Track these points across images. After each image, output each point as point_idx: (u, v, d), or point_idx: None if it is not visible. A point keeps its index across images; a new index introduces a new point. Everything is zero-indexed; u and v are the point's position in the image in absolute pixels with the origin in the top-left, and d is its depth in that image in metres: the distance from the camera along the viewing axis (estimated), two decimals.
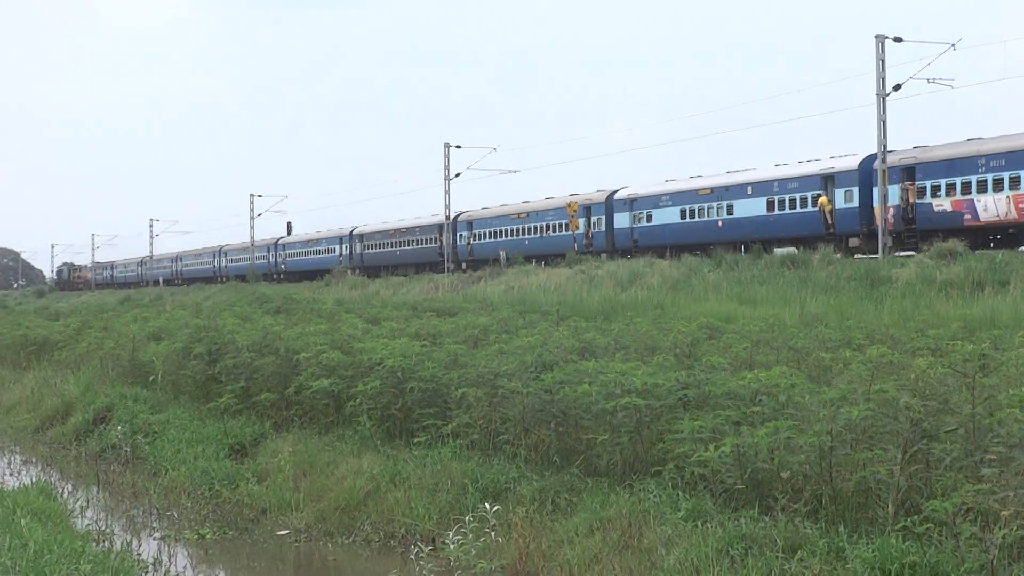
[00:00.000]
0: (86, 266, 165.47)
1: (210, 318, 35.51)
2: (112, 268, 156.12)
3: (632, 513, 12.91)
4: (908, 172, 49.78)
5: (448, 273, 71.99)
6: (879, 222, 48.85)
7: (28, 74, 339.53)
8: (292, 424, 21.15)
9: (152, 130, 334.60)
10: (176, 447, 21.73)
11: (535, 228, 74.21)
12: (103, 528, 17.55)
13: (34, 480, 20.91)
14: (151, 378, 27.66)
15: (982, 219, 46.07)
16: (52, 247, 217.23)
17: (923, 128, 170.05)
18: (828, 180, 54.18)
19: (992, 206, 45.59)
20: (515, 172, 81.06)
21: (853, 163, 53.16)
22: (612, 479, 14.40)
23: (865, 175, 52.07)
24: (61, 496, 19.59)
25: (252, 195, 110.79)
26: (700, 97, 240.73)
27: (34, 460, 24.81)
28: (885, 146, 49.65)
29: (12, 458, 25.02)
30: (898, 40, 49.95)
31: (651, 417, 14.39)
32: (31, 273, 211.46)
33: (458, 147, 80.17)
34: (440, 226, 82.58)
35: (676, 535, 12.14)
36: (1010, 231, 45.76)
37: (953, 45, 48.74)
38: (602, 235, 68.61)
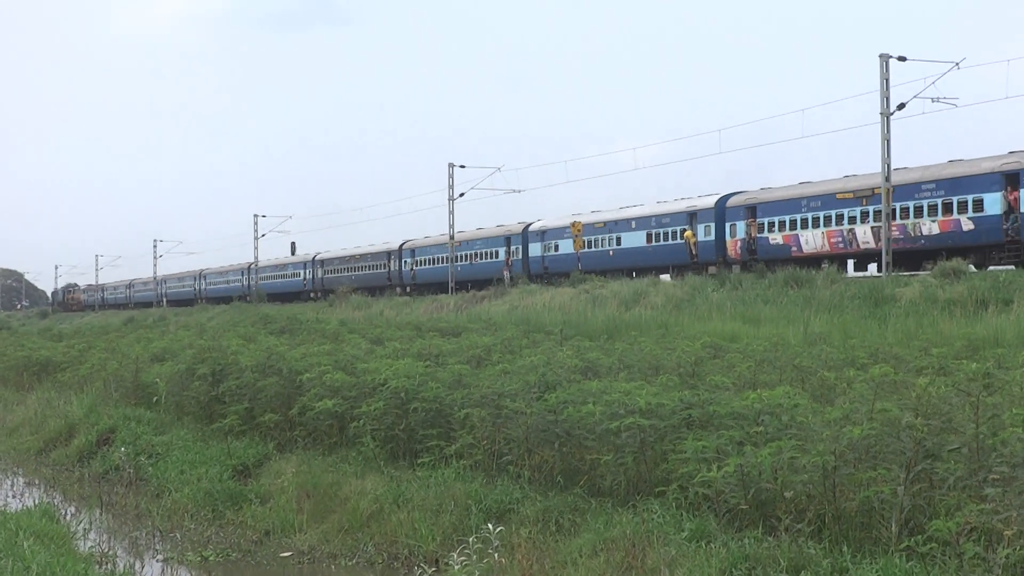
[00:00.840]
0: (80, 288, 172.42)
1: (214, 339, 35.49)
2: (103, 290, 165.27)
3: (636, 534, 12.88)
4: (751, 210, 59.37)
5: (450, 294, 72.41)
6: (883, 241, 48.96)
7: (32, 95, 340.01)
8: (296, 445, 21.14)
9: (157, 150, 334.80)
10: (179, 468, 21.71)
11: (468, 256, 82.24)
12: (106, 550, 17.54)
13: (37, 502, 20.88)
14: (154, 399, 27.65)
15: (804, 251, 55.56)
16: (56, 268, 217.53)
17: (927, 147, 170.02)
18: (692, 216, 63.48)
19: (812, 240, 55.39)
20: (519, 192, 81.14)
21: (711, 202, 62.51)
22: (616, 499, 14.39)
23: (720, 212, 61.56)
24: (64, 518, 19.58)
25: (256, 215, 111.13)
26: (704, 116, 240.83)
27: (37, 482, 24.79)
28: (889, 165, 49.61)
29: (15, 480, 24.99)
30: (902, 59, 49.95)
31: (655, 437, 14.38)
32: (35, 294, 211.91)
33: (462, 167, 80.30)
34: (389, 253, 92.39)
35: (680, 556, 12.11)
36: (824, 262, 51.77)
37: (957, 64, 48.69)
38: (519, 262, 77.12)
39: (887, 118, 49.77)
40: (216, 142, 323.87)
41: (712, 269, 58.27)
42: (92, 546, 17.74)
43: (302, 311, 65.91)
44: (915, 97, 49.31)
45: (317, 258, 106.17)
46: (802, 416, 13.54)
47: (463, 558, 13.59)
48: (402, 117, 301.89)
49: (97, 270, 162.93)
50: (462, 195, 79.91)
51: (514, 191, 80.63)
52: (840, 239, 53.78)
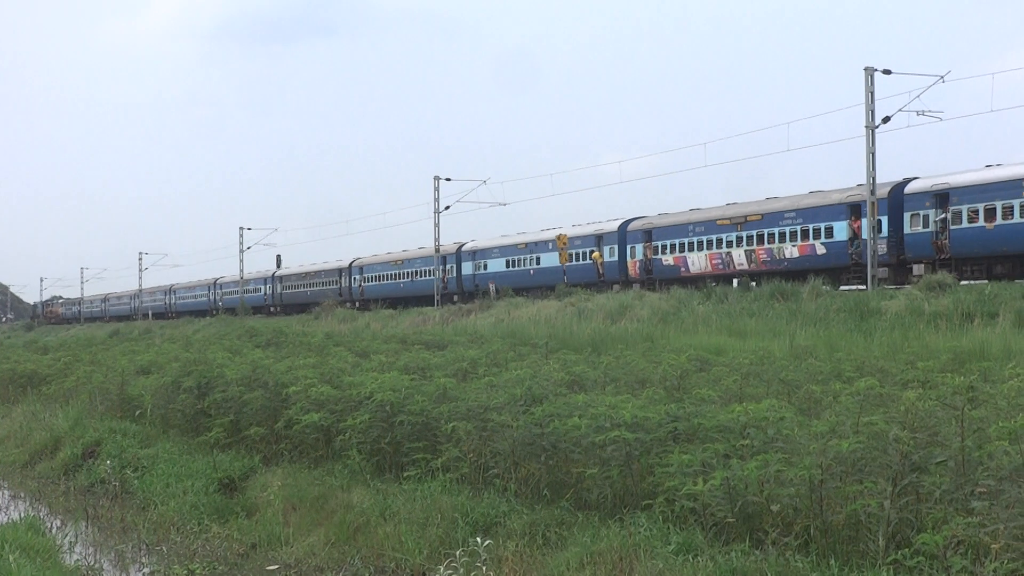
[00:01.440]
0: (59, 301, 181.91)
1: (199, 352, 35.45)
2: (80, 304, 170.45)
3: (623, 547, 12.87)
4: (648, 234, 67.55)
5: (437, 306, 72.70)
6: (868, 251, 49.32)
7: (20, 106, 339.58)
8: (282, 458, 21.11)
9: (145, 162, 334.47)
10: (165, 481, 21.68)
11: (407, 274, 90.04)
12: (92, 564, 17.52)
13: (22, 515, 20.84)
14: (139, 412, 27.62)
15: (691, 271, 63.03)
16: (41, 281, 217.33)
17: (912, 160, 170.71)
18: (600, 239, 71.33)
19: (697, 262, 63.19)
20: (505, 205, 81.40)
21: (615, 226, 70.34)
22: (602, 512, 14.38)
23: (623, 236, 69.47)
24: (50, 531, 19.53)
25: (242, 228, 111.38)
26: (690, 130, 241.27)
27: (22, 495, 24.72)
28: (874, 178, 49.80)
29: (0, 493, 24.92)
30: (887, 73, 50.16)
31: (641, 450, 14.38)
32: (20, 307, 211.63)
33: (448, 180, 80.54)
34: (339, 271, 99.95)
35: (667, 569, 12.09)
36: (710, 281, 58.03)
37: (942, 78, 48.92)
38: (454, 280, 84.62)
39: (872, 131, 49.98)
40: (203, 154, 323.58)
41: (616, 287, 64.47)
42: (78, 560, 17.72)
43: (287, 324, 65.84)
44: (900, 110, 49.64)
45: (276, 274, 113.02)
46: (788, 429, 13.56)
47: (450, 571, 13.60)
48: (389, 129, 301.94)
49: (82, 283, 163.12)
50: (447, 208, 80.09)
51: (499, 204, 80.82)
52: (720, 261, 61.53)
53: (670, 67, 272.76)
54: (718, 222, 61.85)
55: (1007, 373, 17.53)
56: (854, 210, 53.94)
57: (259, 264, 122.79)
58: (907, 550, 10.41)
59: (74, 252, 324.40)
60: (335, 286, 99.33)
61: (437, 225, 79.83)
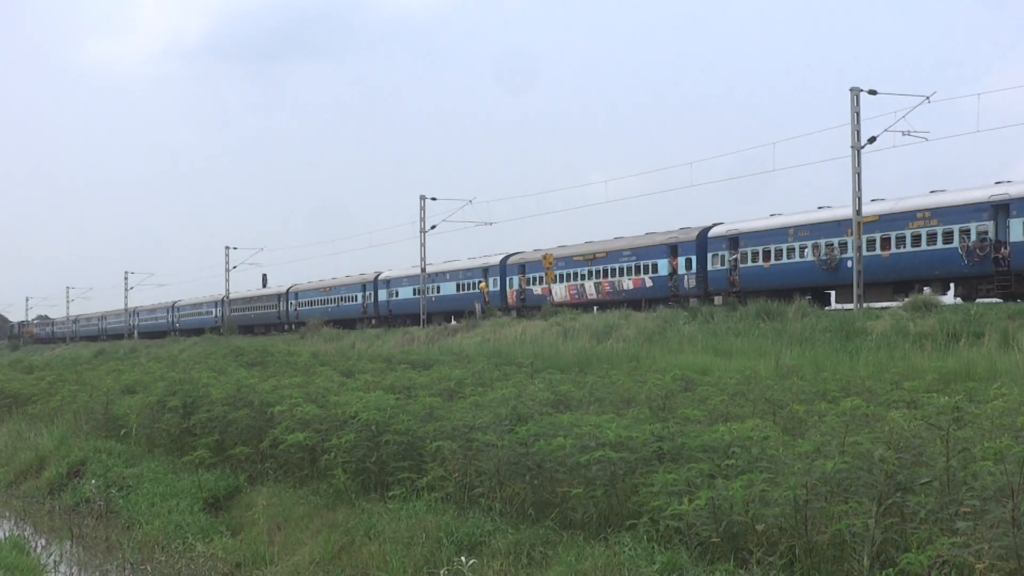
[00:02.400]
0: (33, 322, 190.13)
1: (185, 371, 35.40)
2: (52, 325, 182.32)
3: (607, 566, 12.85)
4: (522, 268, 77.73)
5: (422, 327, 73.11)
6: (855, 273, 49.44)
7: (4, 128, 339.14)
8: (267, 477, 21.08)
9: (129, 182, 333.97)
10: (150, 501, 21.62)
11: (335, 299, 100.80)
12: None
13: (7, 534, 20.78)
14: (124, 431, 27.56)
15: (555, 300, 71.79)
16: (27, 300, 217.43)
17: (898, 180, 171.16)
18: (486, 271, 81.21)
19: (559, 292, 73.16)
20: (491, 224, 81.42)
21: (497, 261, 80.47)
22: (587, 532, 14.35)
23: (503, 269, 79.79)
24: (35, 550, 19.49)
25: (227, 247, 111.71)
26: (676, 150, 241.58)
27: (7, 514, 24.64)
28: (860, 198, 49.98)
29: None
30: (873, 93, 50.26)
31: (625, 470, 14.38)
32: (6, 326, 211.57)
33: (434, 199, 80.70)
34: (279, 296, 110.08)
35: None
36: (575, 306, 67.32)
37: (927, 98, 49.04)
38: (372, 305, 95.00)
39: (858, 151, 50.10)
40: (189, 173, 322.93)
41: (499, 312, 71.68)
42: None
43: (273, 344, 65.80)
44: (886, 130, 49.70)
45: (224, 299, 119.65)
46: (773, 449, 13.58)
47: None
48: (376, 149, 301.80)
49: (68, 302, 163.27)
50: (433, 227, 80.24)
51: (486, 223, 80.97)
52: (576, 292, 72.05)
53: (657, 88, 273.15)
54: (575, 258, 72.96)
55: (992, 393, 17.59)
56: (672, 250, 65.30)
57: (246, 283, 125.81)
58: (892, 570, 10.40)
59: (61, 271, 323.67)
60: (275, 310, 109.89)
61: (423, 244, 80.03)
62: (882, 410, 16.27)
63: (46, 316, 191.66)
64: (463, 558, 14.04)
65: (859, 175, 50.05)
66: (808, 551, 11.78)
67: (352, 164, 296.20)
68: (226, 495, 21.15)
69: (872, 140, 50.09)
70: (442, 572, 13.92)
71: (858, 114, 50.23)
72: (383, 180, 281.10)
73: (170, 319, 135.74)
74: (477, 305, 75.69)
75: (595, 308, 67.64)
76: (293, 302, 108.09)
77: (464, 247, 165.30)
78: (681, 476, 13.10)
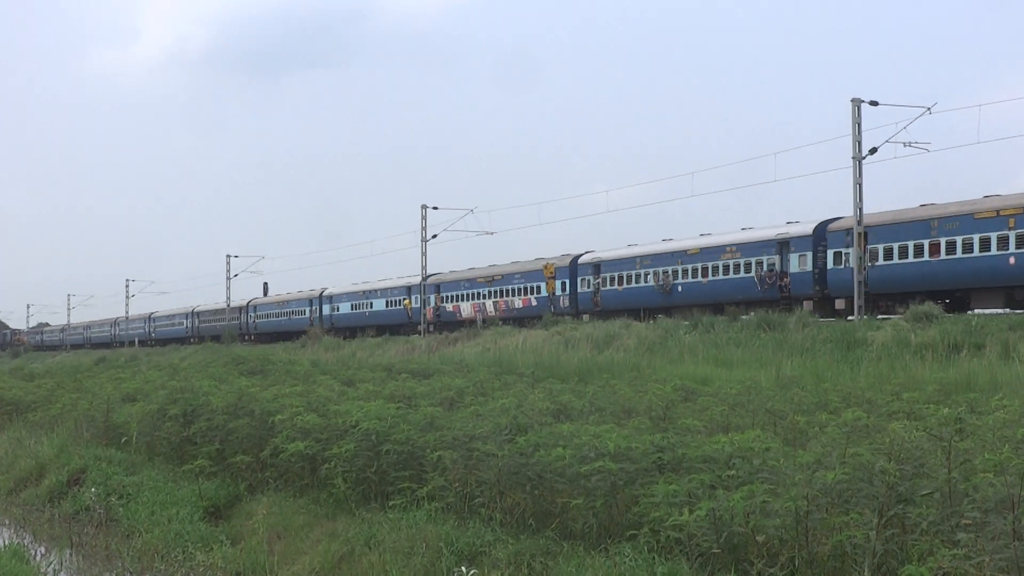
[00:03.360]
0: (23, 331, 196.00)
1: (185, 380, 35.37)
2: (42, 333, 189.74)
3: None
4: (437, 288, 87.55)
5: (423, 335, 73.29)
6: (856, 284, 49.46)
7: (6, 136, 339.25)
8: (267, 486, 21.05)
9: (132, 191, 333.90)
10: (150, 509, 21.59)
11: (287, 313, 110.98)
12: None
13: (7, 543, 20.76)
14: (124, 440, 27.54)
15: (463, 317, 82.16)
16: (28, 307, 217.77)
17: (899, 191, 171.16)
18: (408, 290, 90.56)
19: (465, 309, 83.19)
20: (492, 233, 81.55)
21: (417, 280, 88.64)
22: (587, 543, 14.33)
23: (423, 288, 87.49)
24: (34, 559, 19.46)
25: (228, 256, 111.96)
26: (678, 160, 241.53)
27: (7, 522, 24.60)
28: (861, 209, 50.03)
29: None
30: (874, 104, 50.29)
31: (626, 480, 14.35)
32: (4, 333, 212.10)
33: (435, 208, 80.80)
34: (238, 308, 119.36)
35: None
36: (479, 322, 74.71)
37: (929, 109, 49.06)
38: (318, 319, 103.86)
39: (859, 162, 50.12)
40: (192, 182, 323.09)
41: (420, 327, 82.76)
42: None
43: (273, 352, 65.77)
44: (887, 141, 49.75)
45: (194, 311, 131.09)
46: (774, 460, 13.55)
47: None
48: (378, 158, 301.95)
49: (69, 309, 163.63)
50: (435, 236, 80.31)
51: (487, 233, 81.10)
52: (479, 309, 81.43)
53: (658, 98, 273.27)
54: (478, 280, 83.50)
55: (993, 404, 17.58)
56: (553, 274, 75.57)
57: (247, 292, 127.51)
58: None
59: (64, 279, 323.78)
60: (237, 321, 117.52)
61: (424, 254, 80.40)
62: (883, 421, 16.29)
63: (47, 323, 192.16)
64: (463, 568, 14.02)
65: (860, 186, 50.06)
66: (809, 562, 11.76)
67: (355, 173, 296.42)
68: (226, 504, 21.13)
69: (873, 151, 50.13)
70: None
71: (859, 125, 50.26)
72: (386, 189, 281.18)
73: (147, 329, 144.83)
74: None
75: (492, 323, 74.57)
76: (252, 315, 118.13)
77: (466, 256, 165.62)
78: (682, 487, 13.07)
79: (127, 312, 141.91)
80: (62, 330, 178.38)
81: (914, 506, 11.42)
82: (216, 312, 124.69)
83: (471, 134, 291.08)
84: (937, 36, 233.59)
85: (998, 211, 47.01)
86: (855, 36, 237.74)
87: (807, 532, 11.85)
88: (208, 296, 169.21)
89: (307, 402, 23.72)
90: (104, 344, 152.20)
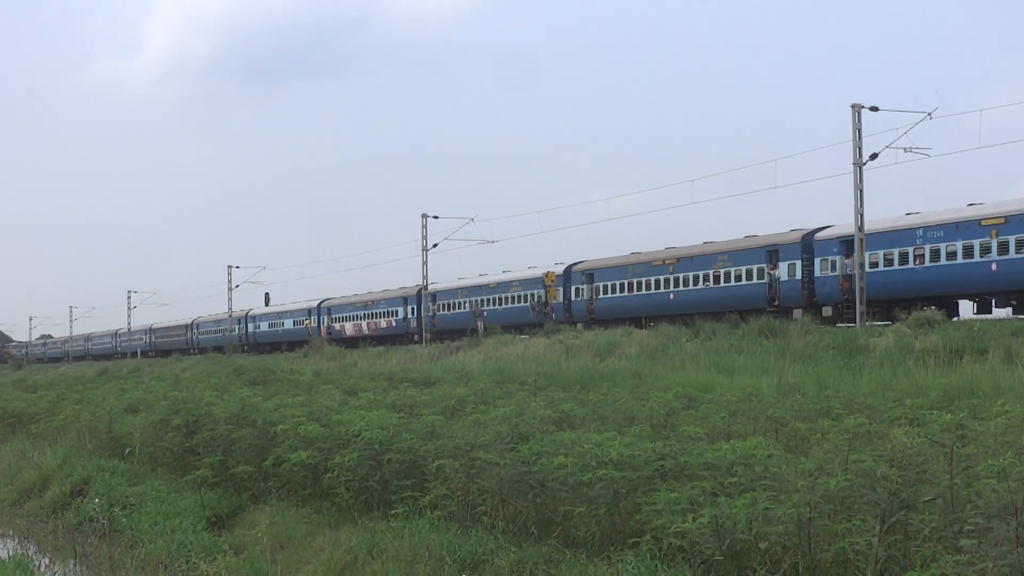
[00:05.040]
0: (12, 345, 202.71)
1: (187, 390, 35.39)
2: (27, 347, 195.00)
3: None
4: (329, 310, 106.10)
5: (424, 344, 73.26)
6: (857, 291, 49.38)
7: (6, 147, 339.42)
8: (270, 496, 21.06)
9: (133, 202, 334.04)
10: (153, 519, 21.62)
11: (223, 330, 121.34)
12: None
13: (11, 554, 20.79)
14: (127, 450, 27.56)
15: (346, 335, 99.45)
16: (30, 319, 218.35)
17: (899, 197, 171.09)
18: (309, 312, 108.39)
19: (347, 328, 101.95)
20: (492, 242, 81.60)
21: (315, 304, 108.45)
22: (590, 550, 14.32)
23: (319, 310, 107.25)
24: (38, 570, 19.50)
25: (230, 266, 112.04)
26: (678, 167, 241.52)
27: (11, 533, 24.63)
28: (862, 215, 50.05)
29: None
30: (874, 109, 50.39)
31: (628, 488, 14.35)
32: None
33: (436, 217, 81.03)
34: (186, 326, 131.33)
35: None
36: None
37: (929, 114, 49.12)
38: (244, 335, 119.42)
39: (859, 168, 50.16)
40: (193, 192, 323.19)
41: (316, 343, 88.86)
42: None
43: (275, 362, 65.80)
44: (888, 147, 49.78)
45: (152, 327, 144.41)
46: (776, 467, 13.56)
47: None
48: (378, 168, 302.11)
49: (71, 321, 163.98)
50: (435, 246, 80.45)
51: (487, 241, 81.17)
52: (357, 328, 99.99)
53: (658, 104, 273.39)
54: (357, 304, 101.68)
55: (996, 410, 17.58)
56: (406, 301, 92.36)
57: (247, 302, 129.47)
58: None
59: (66, 291, 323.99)
60: (234, 333, 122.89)
61: (425, 263, 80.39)
62: (885, 427, 16.26)
63: (49, 335, 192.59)
64: None
65: (861, 192, 50.09)
66: (811, 569, 11.76)
67: (356, 182, 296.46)
68: (229, 514, 21.14)
69: (874, 156, 50.17)
70: None
71: (860, 131, 50.32)
72: (387, 198, 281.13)
73: (114, 344, 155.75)
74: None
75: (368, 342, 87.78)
76: (195, 331, 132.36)
77: (466, 265, 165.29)
78: (684, 494, 13.07)
79: (129, 324, 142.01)
80: (44, 343, 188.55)
81: (917, 512, 11.40)
82: (170, 328, 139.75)
83: (472, 141, 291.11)
84: (937, 41, 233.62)
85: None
86: (855, 42, 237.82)
87: (809, 539, 11.84)
88: (211, 307, 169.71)
89: (309, 412, 23.74)
90: (79, 357, 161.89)
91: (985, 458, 12.14)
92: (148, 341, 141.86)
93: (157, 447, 26.68)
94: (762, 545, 12.08)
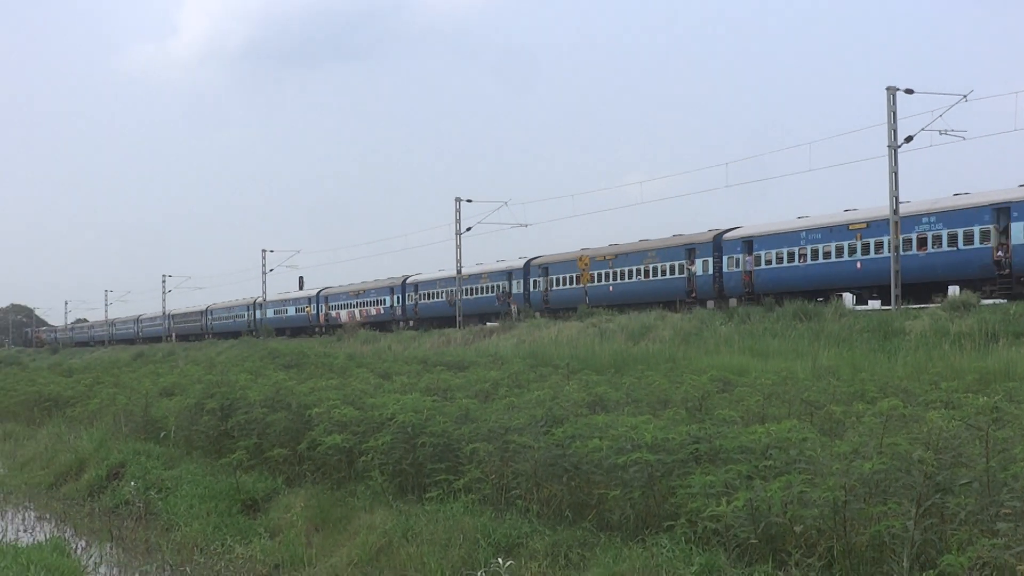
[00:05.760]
0: (43, 329, 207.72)
1: (222, 374, 35.49)
2: (55, 332, 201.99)
3: (645, 568, 12.82)
4: (326, 299, 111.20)
5: (459, 328, 73.31)
6: (892, 273, 49.24)
7: (42, 132, 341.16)
8: (304, 479, 21.11)
9: (169, 186, 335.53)
10: (189, 502, 21.69)
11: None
12: None
13: (48, 536, 20.87)
14: (162, 434, 27.66)
15: (342, 321, 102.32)
16: (66, 303, 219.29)
17: (935, 180, 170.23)
18: (309, 300, 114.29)
19: (343, 315, 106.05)
20: (526, 226, 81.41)
21: (314, 293, 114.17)
22: (625, 534, 14.32)
23: (317, 299, 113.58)
24: (75, 552, 19.53)
25: (264, 250, 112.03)
26: (712, 150, 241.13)
27: (48, 516, 24.73)
28: (897, 198, 49.74)
29: (26, 514, 24.92)
30: (909, 92, 49.98)
31: (662, 472, 14.32)
32: (25, 331, 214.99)
33: (469, 201, 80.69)
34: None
35: None
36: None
37: (964, 96, 48.75)
38: (207, 324, 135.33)
39: (894, 151, 49.85)
40: (228, 176, 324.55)
41: (317, 330, 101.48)
42: None
43: (309, 346, 65.92)
44: (923, 130, 49.41)
45: (168, 313, 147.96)
46: (811, 450, 13.51)
47: None
48: (412, 152, 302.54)
49: (107, 305, 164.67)
50: (468, 229, 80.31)
51: (520, 225, 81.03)
52: (347, 314, 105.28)
53: (692, 88, 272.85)
54: (350, 293, 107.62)
55: None
56: (392, 291, 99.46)
57: (282, 285, 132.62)
58: (931, 572, 10.34)
59: (101, 275, 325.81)
60: (244, 319, 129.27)
61: (458, 247, 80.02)
62: (920, 411, 16.18)
63: (85, 319, 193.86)
64: (500, 560, 14.02)
65: (896, 174, 49.81)
66: (847, 552, 11.73)
67: (389, 165, 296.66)
68: (264, 497, 21.19)
69: (909, 139, 49.84)
70: (479, 574, 13.90)
71: (894, 113, 49.99)
72: (419, 181, 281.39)
73: (136, 329, 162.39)
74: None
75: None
76: (209, 317, 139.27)
77: (499, 249, 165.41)
78: (719, 478, 13.04)
79: (164, 308, 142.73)
80: (71, 328, 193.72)
81: (952, 496, 11.35)
82: (186, 314, 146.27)
83: (505, 126, 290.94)
84: (972, 23, 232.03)
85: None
86: (890, 25, 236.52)
87: (845, 522, 11.81)
88: (245, 291, 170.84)
89: (343, 395, 23.77)
90: (100, 342, 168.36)
91: (1021, 441, 12.09)
92: (167, 327, 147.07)
93: (192, 430, 26.77)
94: (797, 528, 12.06)
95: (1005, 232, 48.46)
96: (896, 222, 49.61)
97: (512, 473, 16.69)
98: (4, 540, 19.78)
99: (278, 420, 22.70)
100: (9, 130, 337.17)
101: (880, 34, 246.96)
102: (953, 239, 50.21)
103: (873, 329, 38.36)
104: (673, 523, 13.45)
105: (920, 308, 44.77)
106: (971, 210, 49.85)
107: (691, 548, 12.90)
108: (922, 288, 51.34)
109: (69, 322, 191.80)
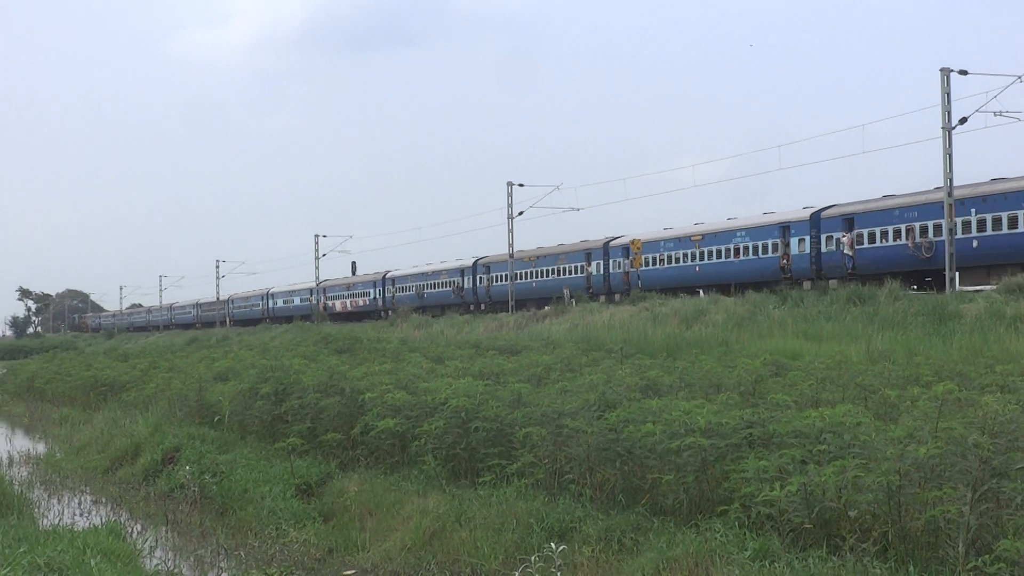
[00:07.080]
0: (88, 315, 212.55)
1: (276, 359, 35.65)
2: (100, 318, 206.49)
3: (699, 553, 12.80)
4: (324, 291, 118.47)
5: (511, 312, 73.20)
6: (947, 256, 48.87)
7: (98, 125, 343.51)
8: (358, 464, 21.20)
9: (226, 171, 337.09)
10: (243, 487, 21.82)
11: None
12: (171, 568, 17.62)
13: (104, 520, 21.00)
14: (217, 418, 27.81)
15: (336, 310, 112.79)
16: (120, 289, 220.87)
17: (990, 162, 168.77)
18: (317, 291, 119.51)
19: (337, 305, 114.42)
20: (578, 210, 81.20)
21: (317, 284, 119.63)
22: (678, 518, 14.31)
23: (319, 290, 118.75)
24: (130, 536, 19.66)
25: (317, 235, 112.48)
26: (765, 133, 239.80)
27: (104, 500, 24.92)
28: (951, 180, 49.35)
29: (83, 498, 25.12)
30: (963, 73, 49.57)
31: (716, 456, 14.30)
32: (73, 317, 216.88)
33: (521, 185, 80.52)
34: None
35: (743, 575, 12.04)
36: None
37: (1020, 77, 48.30)
38: (271, 309, 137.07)
39: (949, 132, 49.44)
40: (284, 162, 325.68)
41: (318, 320, 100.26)
42: (158, 564, 17.83)
43: (363, 330, 66.08)
44: (977, 111, 49.02)
45: (197, 302, 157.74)
46: (865, 435, 13.43)
47: None
48: (464, 135, 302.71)
49: (161, 291, 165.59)
50: (521, 214, 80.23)
51: (572, 209, 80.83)
52: (342, 304, 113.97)
53: (745, 71, 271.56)
54: (343, 285, 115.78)
55: None
56: (375, 284, 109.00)
57: (335, 271, 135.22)
58: (987, 557, 10.29)
59: (155, 260, 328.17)
60: (258, 308, 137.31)
61: (511, 231, 79.95)
62: (976, 395, 16.06)
63: (140, 304, 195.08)
64: (553, 544, 14.02)
65: (950, 156, 49.43)
66: (902, 537, 11.68)
67: (446, 149, 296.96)
68: (318, 481, 21.28)
69: (963, 121, 49.40)
70: (533, 558, 13.91)
71: (948, 95, 49.59)
72: (472, 165, 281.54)
73: (170, 316, 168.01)
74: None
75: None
76: (231, 306, 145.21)
77: (553, 233, 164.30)
78: (772, 462, 13.00)
79: (217, 293, 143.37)
80: (115, 315, 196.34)
81: (1009, 480, 11.27)
82: (212, 304, 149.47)
83: (559, 108, 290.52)
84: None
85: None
86: (944, 5, 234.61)
87: (900, 507, 11.76)
88: (298, 276, 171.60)
89: (396, 380, 23.85)
90: (140, 328, 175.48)
91: None
92: (195, 314, 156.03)
93: (246, 415, 26.92)
94: (852, 513, 12.01)
95: None
96: (951, 204, 49.23)
97: (565, 458, 16.70)
98: (61, 524, 19.94)
99: (332, 405, 22.80)
100: (68, 119, 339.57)
101: (934, 14, 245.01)
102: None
103: (928, 312, 38.08)
104: (727, 508, 13.42)
105: (975, 291, 44.43)
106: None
107: (744, 533, 12.89)
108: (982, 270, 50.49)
109: (124, 307, 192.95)
